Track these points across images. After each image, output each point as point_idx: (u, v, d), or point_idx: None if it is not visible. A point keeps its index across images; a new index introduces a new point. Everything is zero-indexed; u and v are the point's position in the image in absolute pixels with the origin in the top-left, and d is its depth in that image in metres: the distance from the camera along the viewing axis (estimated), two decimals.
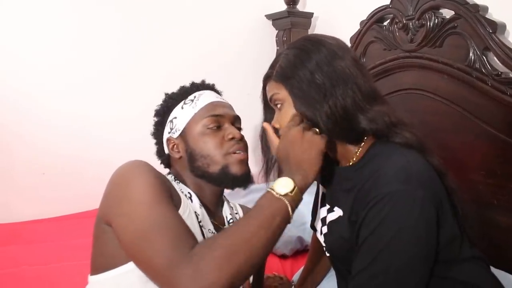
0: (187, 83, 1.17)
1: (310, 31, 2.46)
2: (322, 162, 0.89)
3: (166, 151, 1.13)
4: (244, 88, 2.30)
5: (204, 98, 1.11)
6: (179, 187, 1.03)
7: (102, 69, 2.18)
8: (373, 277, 0.81)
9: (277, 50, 2.51)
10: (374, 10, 1.86)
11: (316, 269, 1.35)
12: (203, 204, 1.06)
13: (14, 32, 2.01)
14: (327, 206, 1.03)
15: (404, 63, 1.72)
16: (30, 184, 2.06)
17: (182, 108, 1.10)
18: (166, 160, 1.15)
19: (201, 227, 0.98)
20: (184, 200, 0.97)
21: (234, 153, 1.05)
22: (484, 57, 1.43)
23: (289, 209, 0.82)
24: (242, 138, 1.09)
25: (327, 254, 1.04)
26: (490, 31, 1.40)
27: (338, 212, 0.97)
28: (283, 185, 0.84)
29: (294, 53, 0.96)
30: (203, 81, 1.18)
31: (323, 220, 1.02)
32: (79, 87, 2.14)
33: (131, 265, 0.87)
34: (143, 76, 2.26)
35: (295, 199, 0.84)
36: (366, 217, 0.83)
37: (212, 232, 1.03)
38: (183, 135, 1.08)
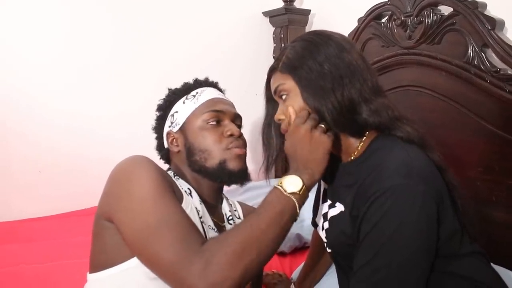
0: (184, 80, 1.18)
1: (307, 28, 2.46)
2: (328, 161, 0.90)
3: (166, 145, 1.13)
4: (241, 85, 2.30)
5: (206, 94, 1.11)
6: (178, 183, 1.03)
7: (98, 66, 2.17)
8: (375, 271, 0.81)
9: (274, 47, 2.52)
10: (372, 7, 1.86)
11: (316, 265, 1.35)
12: (203, 200, 1.06)
13: (11, 30, 1.99)
14: (329, 202, 1.03)
15: (403, 60, 1.73)
16: (29, 182, 2.05)
17: (184, 103, 1.11)
18: (165, 154, 1.15)
19: (202, 223, 0.98)
20: (185, 196, 0.97)
21: (232, 148, 1.05)
22: (482, 54, 1.44)
23: (297, 207, 0.84)
24: (241, 135, 1.09)
25: (328, 250, 1.04)
26: (489, 28, 1.41)
27: (339, 208, 0.97)
28: (292, 184, 0.85)
29: (302, 45, 0.96)
30: (206, 78, 1.19)
31: (325, 215, 1.02)
32: (76, 85, 2.13)
33: (133, 262, 0.86)
34: (140, 73, 2.26)
35: (302, 197, 0.86)
36: (368, 212, 0.84)
37: (212, 229, 1.03)
38: (183, 129, 1.09)
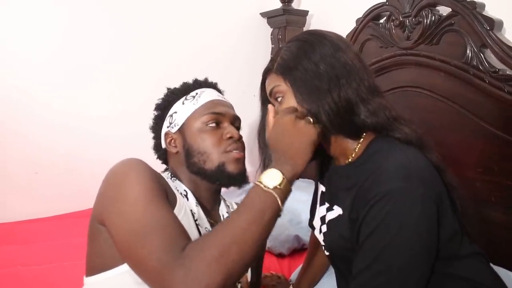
0: (182, 81, 1.17)
1: (305, 29, 2.46)
2: (313, 153, 0.87)
3: (163, 145, 1.12)
4: (239, 86, 2.29)
5: (205, 95, 1.10)
6: (175, 185, 1.02)
7: (95, 66, 2.16)
8: (375, 275, 0.81)
9: (272, 48, 2.51)
10: (371, 8, 1.86)
11: (315, 267, 1.35)
12: (199, 202, 1.05)
13: (10, 30, 1.99)
14: (327, 205, 1.02)
15: (401, 61, 1.72)
16: (25, 182, 2.05)
17: (183, 103, 1.10)
18: (162, 155, 1.14)
19: (197, 225, 0.97)
20: (179, 199, 0.96)
21: (231, 151, 1.04)
22: (481, 54, 1.43)
23: (279, 202, 0.80)
24: (240, 138, 1.08)
25: (327, 253, 1.03)
26: (488, 28, 1.40)
27: (337, 211, 0.96)
28: (271, 178, 0.81)
29: (297, 45, 0.95)
30: (205, 79, 1.18)
31: (322, 218, 1.02)
32: (74, 84, 2.12)
33: (126, 267, 0.85)
34: (137, 73, 2.25)
35: (284, 191, 0.81)
36: (367, 216, 0.83)
37: (208, 231, 1.01)
38: (181, 130, 1.08)
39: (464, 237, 0.92)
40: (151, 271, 0.76)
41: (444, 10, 1.57)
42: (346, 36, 1.96)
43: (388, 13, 1.78)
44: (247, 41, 2.55)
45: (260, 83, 1.05)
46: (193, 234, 0.90)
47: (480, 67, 1.43)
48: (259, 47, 2.53)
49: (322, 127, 0.90)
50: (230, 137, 1.05)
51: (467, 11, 1.45)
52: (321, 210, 1.04)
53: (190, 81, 1.16)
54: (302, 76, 0.91)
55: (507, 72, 1.37)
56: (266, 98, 1.04)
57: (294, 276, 1.47)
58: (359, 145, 0.95)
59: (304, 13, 2.44)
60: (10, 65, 1.99)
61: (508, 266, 1.25)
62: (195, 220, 0.97)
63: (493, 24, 1.40)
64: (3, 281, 1.40)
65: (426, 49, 1.61)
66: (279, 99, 0.96)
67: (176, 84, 1.17)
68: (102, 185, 0.90)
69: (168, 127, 1.10)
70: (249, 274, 1.15)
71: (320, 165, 1.11)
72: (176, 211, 0.90)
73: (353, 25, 1.95)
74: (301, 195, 1.55)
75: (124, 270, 0.86)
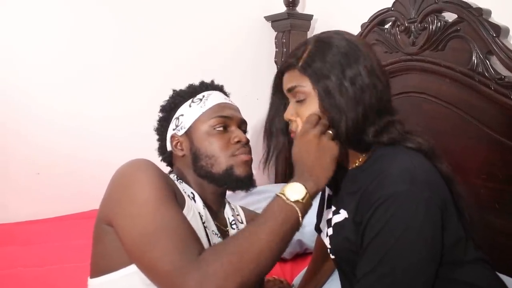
0: (185, 83, 1.16)
1: (309, 34, 2.46)
2: (335, 168, 0.88)
3: (169, 148, 1.12)
4: (242, 89, 2.28)
5: (213, 98, 1.10)
6: (181, 187, 1.02)
7: (98, 67, 2.16)
8: (379, 279, 0.80)
9: (276, 52, 2.51)
10: (376, 13, 1.86)
11: (319, 271, 1.34)
12: (206, 204, 1.04)
13: (12, 30, 1.98)
14: (333, 208, 1.02)
15: (406, 66, 1.72)
16: (26, 183, 2.03)
17: (190, 106, 1.09)
18: (168, 157, 1.14)
19: (205, 228, 0.97)
20: (187, 201, 0.96)
21: (239, 155, 1.04)
22: (487, 61, 1.43)
23: (300, 216, 0.80)
24: (247, 142, 1.08)
25: (332, 257, 1.03)
26: (494, 35, 1.40)
27: (343, 214, 0.96)
28: (295, 191, 0.82)
29: (332, 53, 0.91)
30: (212, 81, 1.18)
31: (329, 222, 1.01)
32: (76, 85, 2.11)
33: (133, 268, 0.85)
34: (140, 75, 2.24)
35: (306, 206, 0.82)
36: (372, 219, 0.83)
37: (215, 234, 1.01)
38: (188, 133, 1.07)
39: (469, 242, 0.92)
40: (163, 274, 0.75)
41: (449, 16, 1.57)
42: None
43: (393, 18, 1.78)
44: (251, 45, 2.54)
45: (275, 74, 1.02)
46: (202, 236, 0.90)
47: (486, 74, 1.43)
48: (263, 51, 2.53)
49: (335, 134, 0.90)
50: (238, 141, 1.05)
51: (473, 17, 1.45)
52: (327, 214, 1.04)
53: (197, 83, 1.15)
54: (334, 87, 0.89)
55: None
56: (278, 89, 1.01)
57: (296, 280, 1.46)
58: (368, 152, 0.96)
59: (309, 17, 2.44)
60: (12, 66, 1.99)
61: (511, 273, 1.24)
62: (203, 223, 0.97)
63: (499, 31, 1.40)
64: (4, 282, 1.39)
65: (431, 55, 1.61)
66: (301, 99, 0.94)
67: (179, 86, 1.16)
68: (110, 185, 0.90)
69: (174, 129, 1.10)
70: None
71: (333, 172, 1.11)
72: (185, 212, 0.90)
73: (357, 29, 1.94)
74: None
75: (130, 271, 0.85)
